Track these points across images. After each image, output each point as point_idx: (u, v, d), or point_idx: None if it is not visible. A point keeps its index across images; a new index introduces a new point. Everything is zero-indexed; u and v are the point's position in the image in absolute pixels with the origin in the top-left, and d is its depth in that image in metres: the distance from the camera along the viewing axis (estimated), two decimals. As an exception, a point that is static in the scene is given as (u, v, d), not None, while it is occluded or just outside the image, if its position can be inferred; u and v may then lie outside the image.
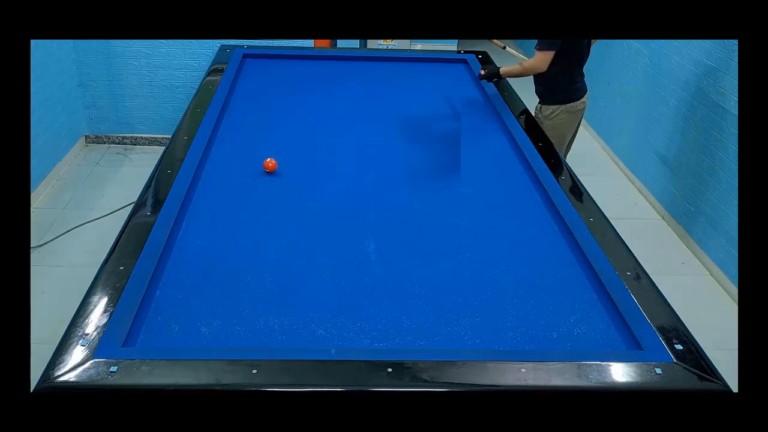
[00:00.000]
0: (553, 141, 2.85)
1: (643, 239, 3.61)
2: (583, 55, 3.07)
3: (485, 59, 3.76)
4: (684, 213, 3.71)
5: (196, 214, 2.21)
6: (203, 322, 1.70)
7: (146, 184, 2.28)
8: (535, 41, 3.04)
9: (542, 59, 2.98)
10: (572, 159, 2.87)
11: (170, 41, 4.16)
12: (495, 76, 3.26)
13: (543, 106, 3.22)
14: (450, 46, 4.93)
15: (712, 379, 1.50)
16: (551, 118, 3.16)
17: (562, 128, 3.19)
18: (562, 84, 3.09)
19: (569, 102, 3.13)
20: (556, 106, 3.13)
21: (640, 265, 1.93)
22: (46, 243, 3.31)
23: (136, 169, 4.13)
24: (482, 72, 3.32)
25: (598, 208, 2.24)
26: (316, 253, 2.02)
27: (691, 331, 1.66)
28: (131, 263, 1.80)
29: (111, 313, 1.61)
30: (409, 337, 1.68)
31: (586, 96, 3.19)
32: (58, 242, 3.34)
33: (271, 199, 2.36)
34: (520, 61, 3.26)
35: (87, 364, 1.44)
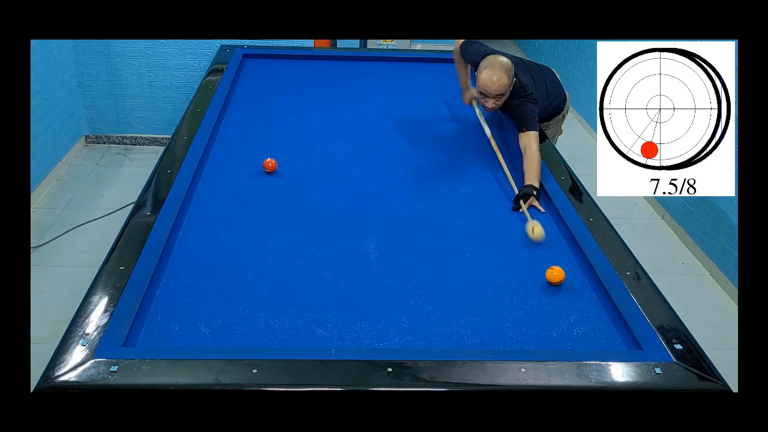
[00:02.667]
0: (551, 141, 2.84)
1: (643, 239, 3.61)
2: (546, 82, 2.97)
3: None
4: (684, 213, 3.71)
5: (196, 214, 2.21)
6: (203, 322, 1.70)
7: (146, 184, 2.28)
8: (535, 41, 2.99)
9: (537, 136, 2.61)
10: (572, 159, 2.86)
11: (170, 41, 4.15)
12: (532, 192, 2.37)
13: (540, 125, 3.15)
14: (450, 46, 4.91)
15: (711, 379, 1.50)
16: (549, 128, 3.16)
17: (556, 130, 3.22)
18: (548, 107, 3.04)
19: (558, 113, 3.14)
20: (548, 122, 3.13)
21: (639, 265, 1.93)
22: (46, 243, 3.31)
23: (136, 169, 4.13)
24: (520, 202, 2.35)
25: (598, 208, 2.24)
26: (316, 253, 2.02)
27: (690, 331, 1.66)
28: (131, 263, 1.80)
29: (111, 313, 1.61)
30: (409, 337, 1.69)
31: (568, 99, 3.18)
32: (58, 242, 3.33)
33: (271, 199, 2.36)
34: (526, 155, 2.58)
35: (87, 364, 1.44)
